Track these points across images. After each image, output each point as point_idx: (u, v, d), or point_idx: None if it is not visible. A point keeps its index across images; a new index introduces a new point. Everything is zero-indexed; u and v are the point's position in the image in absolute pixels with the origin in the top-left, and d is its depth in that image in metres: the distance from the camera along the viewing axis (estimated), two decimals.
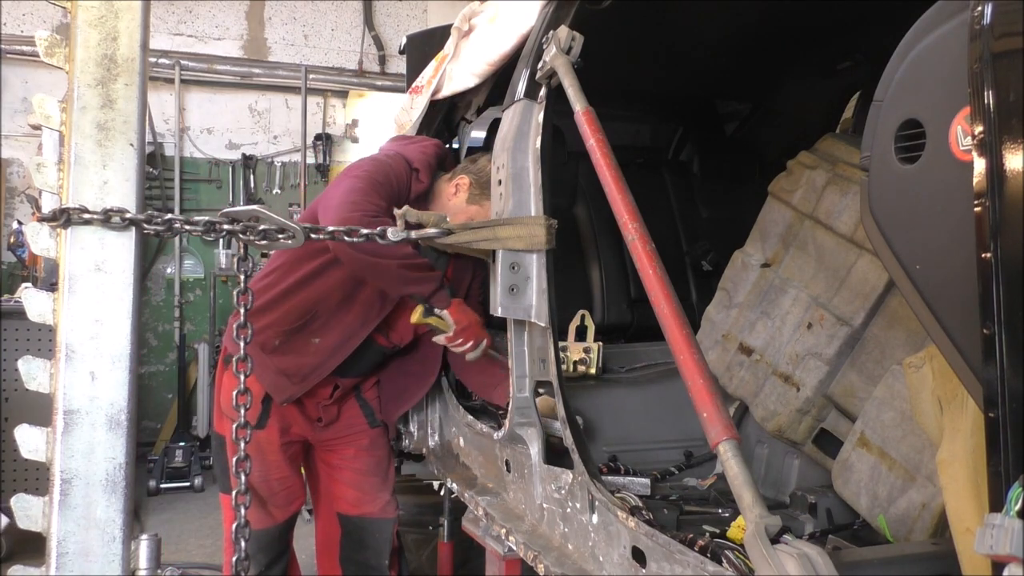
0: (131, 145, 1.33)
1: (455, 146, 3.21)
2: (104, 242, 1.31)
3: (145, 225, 1.34)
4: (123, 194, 1.33)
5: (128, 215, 1.31)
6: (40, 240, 1.33)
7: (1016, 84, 0.83)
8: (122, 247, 1.33)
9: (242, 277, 1.53)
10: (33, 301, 1.33)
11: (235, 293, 1.56)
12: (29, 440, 1.30)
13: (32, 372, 1.31)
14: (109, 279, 1.32)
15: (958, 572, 1.07)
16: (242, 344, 1.51)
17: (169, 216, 1.40)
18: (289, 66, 6.67)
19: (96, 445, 1.29)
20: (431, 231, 1.91)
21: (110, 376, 1.30)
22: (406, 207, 1.98)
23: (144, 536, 1.32)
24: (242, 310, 1.54)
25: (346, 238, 1.70)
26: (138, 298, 1.34)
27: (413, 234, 1.88)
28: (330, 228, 1.67)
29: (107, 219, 1.30)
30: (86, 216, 1.29)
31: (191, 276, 6.46)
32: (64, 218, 1.29)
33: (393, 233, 1.83)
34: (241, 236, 1.50)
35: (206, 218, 1.49)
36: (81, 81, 1.31)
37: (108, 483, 1.29)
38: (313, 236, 1.61)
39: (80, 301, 1.30)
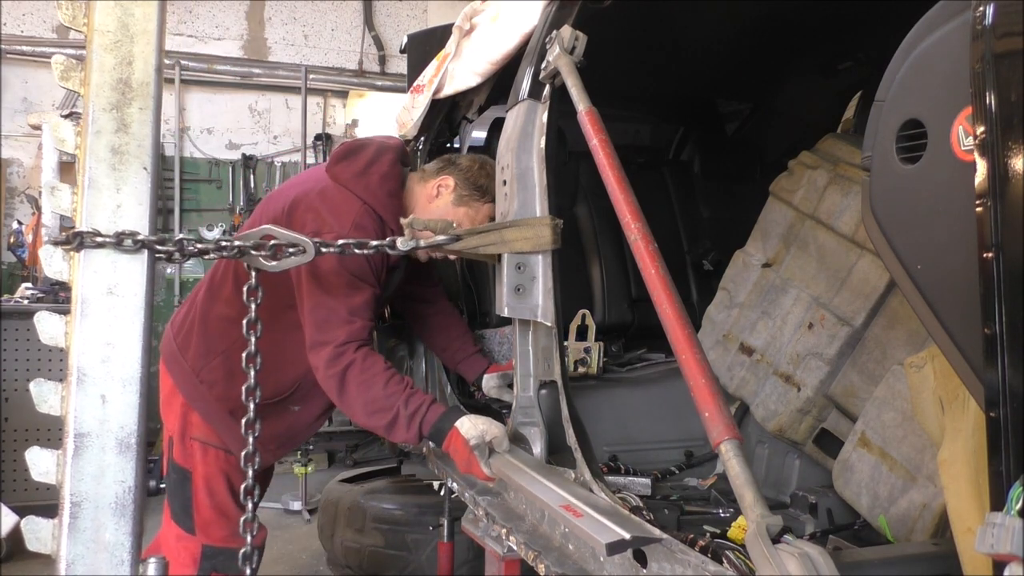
0: (145, 169, 1.34)
1: (456, 145, 3.21)
2: (116, 265, 1.32)
3: (157, 247, 1.35)
4: (136, 217, 1.34)
5: (140, 237, 1.32)
6: (54, 263, 1.34)
7: (1018, 84, 0.83)
8: (134, 270, 1.33)
9: (252, 307, 1.55)
10: (46, 324, 1.33)
11: (244, 322, 1.57)
12: (40, 463, 1.30)
13: (43, 395, 1.32)
14: (121, 302, 1.32)
15: (959, 572, 1.07)
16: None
17: (180, 237, 1.43)
18: (289, 66, 6.67)
19: (106, 468, 1.29)
20: (439, 238, 1.90)
21: (121, 399, 1.31)
22: (412, 216, 1.94)
23: (152, 559, 1.31)
24: (252, 339, 1.57)
25: (356, 251, 1.71)
26: (149, 321, 1.34)
27: (422, 242, 1.87)
28: (340, 241, 1.70)
29: (119, 242, 1.31)
30: (99, 239, 1.30)
31: (191, 276, 6.46)
32: (77, 241, 1.30)
33: (402, 243, 1.83)
34: (253, 252, 1.51)
35: (217, 238, 1.51)
36: (96, 105, 1.32)
37: (117, 506, 1.29)
38: (324, 250, 1.65)
39: (92, 324, 1.31)
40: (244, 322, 1.56)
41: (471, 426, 1.90)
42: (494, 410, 2.48)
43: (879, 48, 1.72)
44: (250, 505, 1.52)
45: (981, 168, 0.86)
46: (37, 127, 5.92)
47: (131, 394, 1.31)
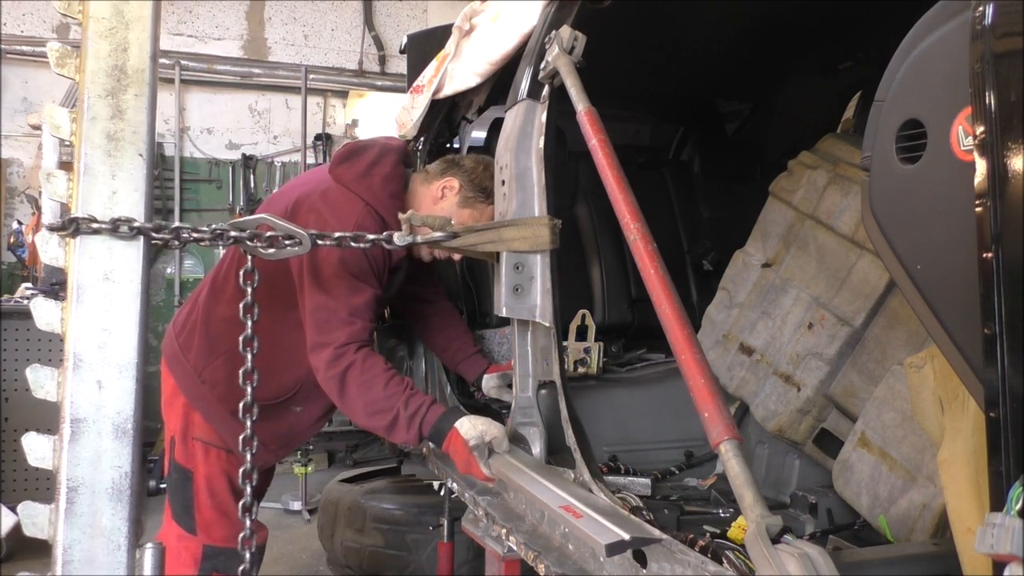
0: (140, 155, 1.34)
1: (455, 145, 3.21)
2: (112, 252, 1.32)
3: (153, 234, 1.35)
4: (131, 204, 1.33)
5: (136, 224, 1.32)
6: (50, 249, 1.34)
7: (1017, 84, 0.83)
8: (130, 256, 1.33)
9: (249, 291, 1.54)
10: (41, 310, 1.33)
11: (241, 307, 1.56)
12: (36, 448, 1.30)
13: (40, 380, 1.32)
14: (117, 288, 1.32)
15: (959, 572, 1.07)
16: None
17: (176, 225, 1.42)
18: (289, 66, 6.67)
19: (102, 453, 1.29)
20: (437, 235, 1.91)
21: (117, 385, 1.31)
22: (410, 211, 1.95)
23: (149, 544, 1.31)
24: (249, 322, 1.55)
25: (353, 244, 1.71)
26: (146, 307, 1.34)
27: (419, 238, 1.88)
28: (337, 235, 1.69)
29: (115, 228, 1.31)
30: (95, 226, 1.30)
31: (191, 276, 6.46)
32: (73, 227, 1.30)
33: (399, 238, 1.84)
34: (248, 243, 1.51)
35: (213, 226, 1.50)
36: (91, 92, 1.32)
37: (114, 491, 1.29)
38: (320, 243, 1.63)
39: (88, 310, 1.30)
40: (241, 305, 1.55)
41: (470, 427, 1.90)
42: (494, 410, 2.48)
43: (879, 48, 1.72)
44: (248, 490, 1.51)
45: (981, 168, 0.86)
46: (37, 127, 5.92)
47: (127, 380, 1.31)
